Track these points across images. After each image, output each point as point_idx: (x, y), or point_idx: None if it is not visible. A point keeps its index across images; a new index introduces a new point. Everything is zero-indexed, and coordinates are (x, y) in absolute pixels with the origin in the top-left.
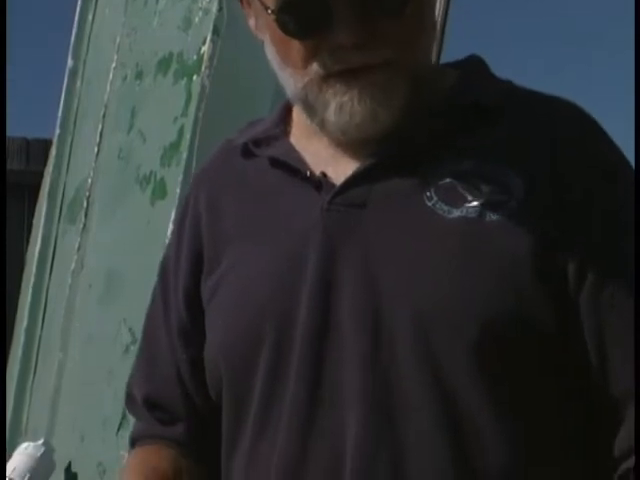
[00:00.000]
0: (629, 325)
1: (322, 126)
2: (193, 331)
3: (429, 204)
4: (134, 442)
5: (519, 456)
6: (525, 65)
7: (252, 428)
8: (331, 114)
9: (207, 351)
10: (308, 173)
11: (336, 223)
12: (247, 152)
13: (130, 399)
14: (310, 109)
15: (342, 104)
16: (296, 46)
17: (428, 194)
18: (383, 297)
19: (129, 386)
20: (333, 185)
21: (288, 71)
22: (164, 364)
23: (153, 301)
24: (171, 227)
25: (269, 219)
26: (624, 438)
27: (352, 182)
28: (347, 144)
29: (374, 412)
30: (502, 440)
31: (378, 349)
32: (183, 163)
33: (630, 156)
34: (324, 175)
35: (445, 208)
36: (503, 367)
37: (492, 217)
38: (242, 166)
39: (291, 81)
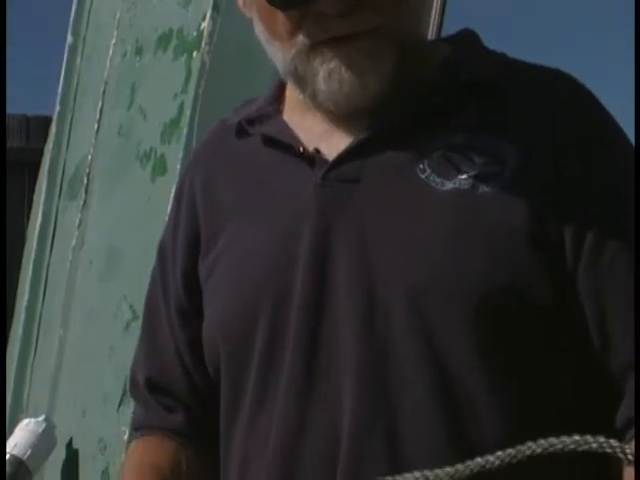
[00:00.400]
0: (628, 296)
1: (314, 98)
2: (191, 311)
3: (422, 177)
4: (135, 430)
5: (514, 427)
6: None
7: (250, 402)
8: (320, 82)
9: (205, 329)
10: (301, 149)
11: (329, 199)
12: (241, 131)
13: (133, 383)
14: (300, 81)
15: (330, 71)
16: (281, 18)
17: (421, 167)
18: (377, 271)
19: (132, 370)
20: (326, 161)
21: (276, 45)
22: (165, 345)
23: (152, 283)
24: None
25: (264, 197)
26: (624, 410)
27: (345, 157)
28: (340, 119)
29: (370, 383)
30: (497, 410)
31: (373, 322)
32: (183, 139)
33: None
34: (317, 151)
35: (438, 180)
36: (498, 339)
37: (485, 189)
38: (236, 146)
39: (280, 55)
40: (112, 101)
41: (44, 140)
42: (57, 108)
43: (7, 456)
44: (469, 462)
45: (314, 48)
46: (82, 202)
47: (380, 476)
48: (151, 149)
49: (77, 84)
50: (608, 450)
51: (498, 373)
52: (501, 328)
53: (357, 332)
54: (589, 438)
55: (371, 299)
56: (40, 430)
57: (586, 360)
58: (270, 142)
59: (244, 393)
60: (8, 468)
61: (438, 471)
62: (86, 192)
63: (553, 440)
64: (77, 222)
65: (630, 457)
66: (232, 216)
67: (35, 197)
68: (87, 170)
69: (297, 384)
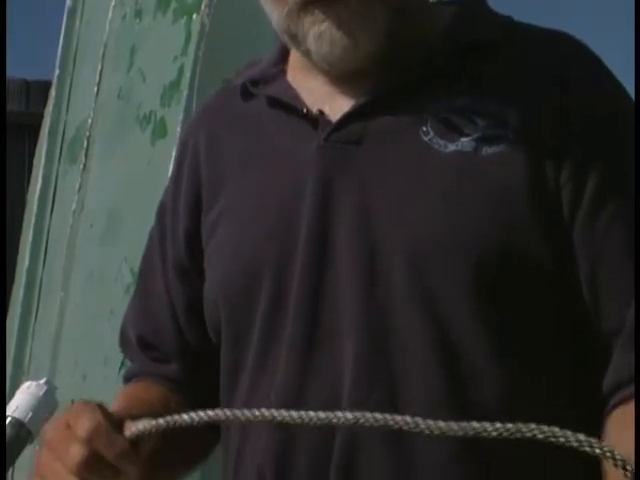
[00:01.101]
0: (623, 261)
1: (308, 56)
2: (192, 271)
3: (425, 139)
4: (127, 381)
5: (512, 388)
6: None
7: (252, 364)
8: (311, 43)
9: (207, 289)
10: (305, 110)
11: (332, 160)
12: (245, 92)
13: (124, 340)
14: (294, 39)
15: (320, 33)
16: None
17: (424, 129)
18: (379, 233)
19: (123, 326)
20: (329, 122)
21: (271, 4)
22: (159, 305)
23: (150, 243)
24: (172, 167)
25: (267, 157)
26: (610, 374)
27: (348, 119)
28: (342, 81)
29: (370, 346)
30: (496, 372)
31: (374, 285)
32: (183, 102)
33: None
34: (321, 113)
35: (441, 142)
36: (498, 299)
37: (488, 151)
38: (240, 106)
39: (274, 14)
40: (112, 64)
41: (44, 104)
42: (56, 71)
43: (8, 419)
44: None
45: (305, 7)
46: (82, 165)
47: (381, 440)
48: (151, 112)
49: (76, 47)
50: (575, 444)
51: (497, 334)
52: (501, 288)
53: (358, 293)
54: (557, 431)
55: (372, 260)
56: (41, 393)
57: (582, 322)
58: (274, 103)
59: (245, 355)
60: (9, 430)
61: (430, 422)
62: (86, 156)
63: (519, 426)
64: (77, 186)
65: (598, 450)
66: (234, 175)
67: (35, 161)
68: (87, 133)
69: (298, 348)
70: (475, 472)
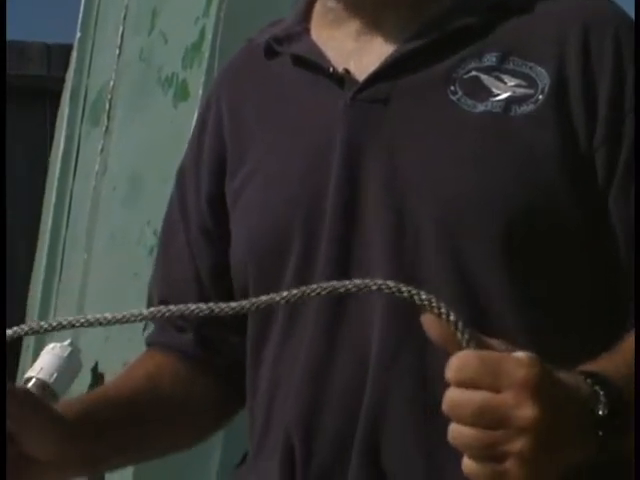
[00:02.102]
0: None
1: None
2: (217, 235)
3: (453, 99)
4: (147, 346)
5: (539, 347)
6: None
7: (280, 325)
8: None
9: (234, 251)
10: (331, 69)
11: (359, 118)
12: (269, 51)
13: (149, 303)
14: None
15: None
16: None
17: (452, 88)
18: (407, 191)
19: (149, 290)
20: (356, 81)
21: None
22: (182, 269)
23: (170, 207)
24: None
25: (292, 117)
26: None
27: (375, 78)
28: (368, 38)
29: (398, 309)
30: (523, 331)
31: (403, 242)
32: (205, 64)
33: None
34: (347, 71)
35: (469, 102)
36: (526, 261)
37: (517, 111)
38: (264, 65)
39: None
40: (133, 26)
41: (65, 68)
42: (78, 34)
43: (33, 380)
44: None
45: None
46: (104, 128)
47: (408, 401)
48: (173, 74)
49: (98, 10)
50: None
51: (525, 292)
52: (529, 247)
53: (387, 252)
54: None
55: (400, 218)
56: (66, 354)
57: (616, 285)
58: (299, 62)
59: (274, 316)
60: (34, 391)
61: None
62: (108, 118)
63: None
64: (100, 148)
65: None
66: (260, 136)
67: (57, 124)
68: (109, 96)
69: (327, 308)
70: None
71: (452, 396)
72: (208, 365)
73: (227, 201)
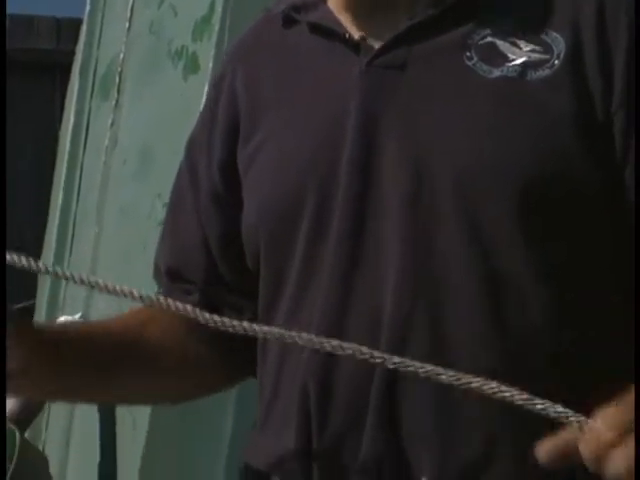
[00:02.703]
0: None
1: None
2: (227, 202)
3: (469, 64)
4: None
5: (556, 316)
6: None
7: (292, 289)
8: None
9: (246, 215)
10: (347, 35)
11: (375, 84)
12: (287, 19)
13: (157, 272)
14: None
15: None
16: None
17: (468, 54)
18: (424, 156)
19: (156, 258)
20: (372, 48)
21: None
22: (190, 236)
23: (179, 176)
24: (204, 101)
25: (308, 84)
26: None
27: (391, 44)
28: (383, 5)
29: (413, 268)
30: (540, 298)
31: (418, 208)
32: (215, 37)
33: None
34: (363, 38)
35: (485, 68)
36: (544, 227)
37: (533, 76)
38: (281, 34)
39: None
40: None
41: (74, 42)
42: (87, 7)
43: None
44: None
45: None
46: (114, 102)
47: (424, 357)
48: (183, 47)
49: None
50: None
51: (543, 262)
52: (546, 214)
53: (402, 217)
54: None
55: (416, 187)
56: None
57: (627, 252)
58: (316, 29)
59: (286, 280)
60: None
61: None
62: (118, 92)
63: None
64: (110, 122)
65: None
66: (274, 103)
67: (67, 98)
68: (119, 70)
69: (341, 269)
70: None
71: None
72: (206, 330)
73: (239, 167)
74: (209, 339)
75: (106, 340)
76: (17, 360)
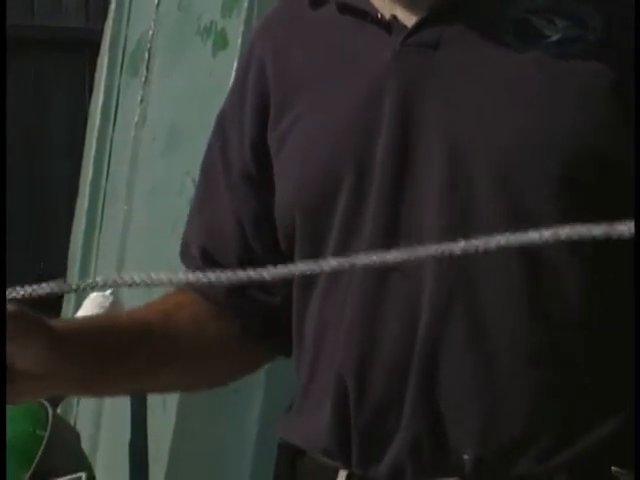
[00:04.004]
0: None
1: None
2: (259, 181)
3: (504, 41)
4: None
5: (594, 305)
6: None
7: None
8: None
9: (280, 196)
10: (379, 15)
11: (410, 64)
12: (315, 0)
13: (186, 252)
14: None
15: None
16: None
17: (503, 31)
18: (462, 135)
19: (185, 239)
20: (404, 27)
21: None
22: (224, 216)
23: (209, 154)
24: (234, 77)
25: (340, 64)
26: None
27: (424, 23)
28: None
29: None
30: (579, 287)
31: (456, 188)
32: (244, 13)
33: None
34: (394, 18)
35: (521, 45)
36: (583, 206)
37: (569, 51)
38: (310, 14)
39: None
40: None
41: (103, 20)
42: None
43: None
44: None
45: None
46: (144, 78)
47: (461, 345)
48: (211, 23)
49: None
50: None
51: (584, 251)
52: (586, 192)
53: (439, 198)
54: None
55: (454, 167)
56: (107, 303)
57: None
58: (345, 9)
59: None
60: None
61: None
62: (147, 68)
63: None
64: (139, 98)
65: None
66: (306, 83)
67: (97, 74)
68: (148, 46)
69: (378, 249)
70: (553, 376)
71: None
72: (237, 314)
73: (270, 147)
74: (240, 329)
75: (134, 332)
76: (31, 361)
